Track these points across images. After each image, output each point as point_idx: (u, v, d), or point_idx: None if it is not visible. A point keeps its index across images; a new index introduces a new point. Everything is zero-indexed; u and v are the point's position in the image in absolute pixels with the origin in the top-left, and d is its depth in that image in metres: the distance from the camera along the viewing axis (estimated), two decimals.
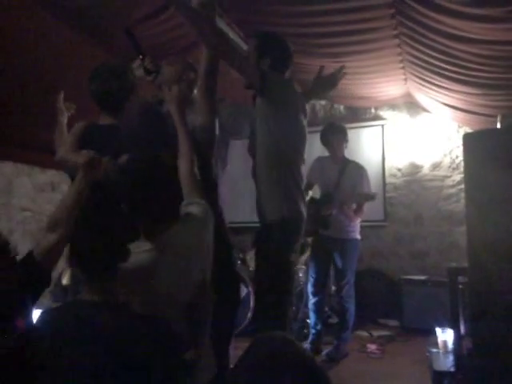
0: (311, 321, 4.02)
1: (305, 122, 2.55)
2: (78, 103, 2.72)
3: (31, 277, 1.53)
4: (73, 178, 2.17)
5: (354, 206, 3.92)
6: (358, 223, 3.98)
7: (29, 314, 1.50)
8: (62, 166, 2.23)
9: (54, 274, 3.41)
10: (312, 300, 3.99)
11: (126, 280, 1.46)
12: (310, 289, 4.02)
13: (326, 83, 2.87)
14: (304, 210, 2.44)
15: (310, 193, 4.03)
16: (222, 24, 3.58)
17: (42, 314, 1.43)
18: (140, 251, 1.56)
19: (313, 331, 3.98)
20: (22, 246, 4.41)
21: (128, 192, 1.62)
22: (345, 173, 3.93)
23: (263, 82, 2.31)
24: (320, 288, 3.97)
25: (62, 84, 3.55)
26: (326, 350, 3.84)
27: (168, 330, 1.39)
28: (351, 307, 3.90)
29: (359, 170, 4.04)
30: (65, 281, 3.94)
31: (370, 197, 3.91)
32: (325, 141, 4.04)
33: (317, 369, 0.84)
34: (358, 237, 3.99)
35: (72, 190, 1.72)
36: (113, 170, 1.79)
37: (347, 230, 3.90)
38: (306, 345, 3.89)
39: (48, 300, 3.58)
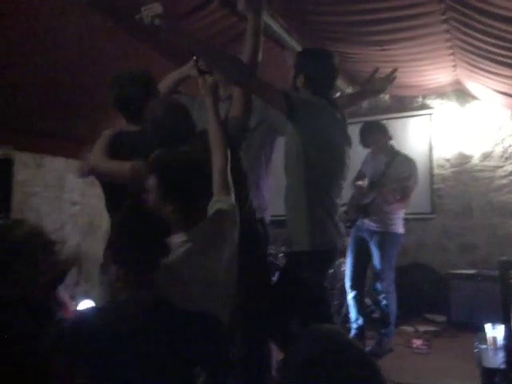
0: (352, 316, 3.94)
1: (346, 148, 2.35)
2: None
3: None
4: (103, 185, 2.23)
5: (398, 196, 3.72)
6: (400, 216, 3.83)
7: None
8: (93, 174, 2.24)
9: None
10: (350, 295, 3.91)
11: (167, 273, 1.48)
12: (347, 283, 3.94)
13: (378, 85, 2.80)
14: (337, 238, 2.29)
15: (360, 182, 3.96)
16: (265, 16, 3.56)
17: (88, 311, 1.45)
18: (176, 243, 1.57)
19: (354, 326, 3.89)
20: (72, 239, 4.62)
21: (166, 178, 1.62)
22: (392, 165, 3.82)
23: (288, 104, 2.15)
24: (358, 282, 3.88)
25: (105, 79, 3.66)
26: (368, 346, 3.75)
27: (218, 326, 1.40)
28: (391, 303, 3.78)
29: (407, 162, 3.90)
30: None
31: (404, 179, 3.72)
32: (364, 144, 3.95)
33: (371, 364, 0.82)
34: (400, 231, 3.83)
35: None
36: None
37: (387, 223, 3.78)
38: None
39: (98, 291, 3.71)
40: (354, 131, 5.64)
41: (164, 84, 2.53)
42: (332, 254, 2.32)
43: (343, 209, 4.15)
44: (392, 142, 3.99)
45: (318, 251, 2.21)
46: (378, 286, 3.81)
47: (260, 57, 2.11)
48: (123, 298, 1.36)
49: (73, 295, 3.51)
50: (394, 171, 3.79)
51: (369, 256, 3.89)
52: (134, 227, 1.40)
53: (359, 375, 0.77)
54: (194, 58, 2.43)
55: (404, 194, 3.73)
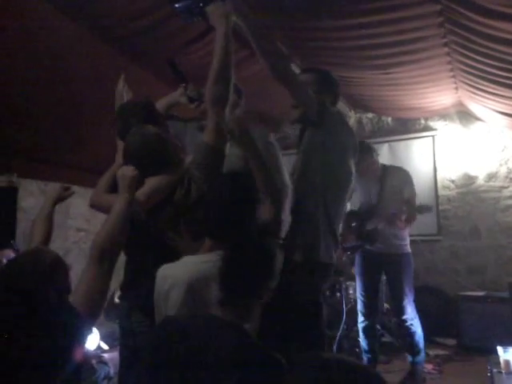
0: (364, 346, 3.70)
1: (352, 166, 2.36)
2: None
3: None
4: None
5: (404, 216, 3.57)
6: (407, 236, 3.68)
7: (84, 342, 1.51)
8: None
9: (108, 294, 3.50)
10: (363, 324, 3.69)
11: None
12: (360, 311, 3.72)
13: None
14: (334, 255, 2.26)
15: (348, 205, 3.78)
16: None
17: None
18: (198, 262, 1.57)
19: (368, 356, 3.67)
20: (77, 265, 4.57)
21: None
22: (386, 181, 3.65)
23: (322, 115, 2.18)
24: (372, 309, 3.68)
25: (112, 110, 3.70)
26: (401, 378, 3.54)
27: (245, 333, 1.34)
28: (418, 329, 3.50)
29: (400, 174, 3.75)
30: (117, 299, 4.03)
31: (425, 209, 3.61)
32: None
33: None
34: (409, 250, 3.65)
35: (117, 212, 1.65)
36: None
37: (398, 244, 3.60)
38: None
39: (101, 318, 3.67)
40: None
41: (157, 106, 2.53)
42: (330, 269, 2.28)
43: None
44: (378, 160, 3.82)
45: (319, 263, 2.18)
46: (403, 313, 3.50)
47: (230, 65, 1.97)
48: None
49: None
50: (389, 187, 3.63)
51: (380, 280, 3.71)
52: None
53: None
54: (183, 85, 2.45)
55: (409, 211, 3.54)
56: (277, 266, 1.40)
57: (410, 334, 3.52)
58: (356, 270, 3.83)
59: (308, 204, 2.20)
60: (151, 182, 1.84)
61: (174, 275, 1.58)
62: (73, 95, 3.46)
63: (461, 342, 4.51)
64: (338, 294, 4.74)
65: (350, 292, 4.75)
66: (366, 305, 3.68)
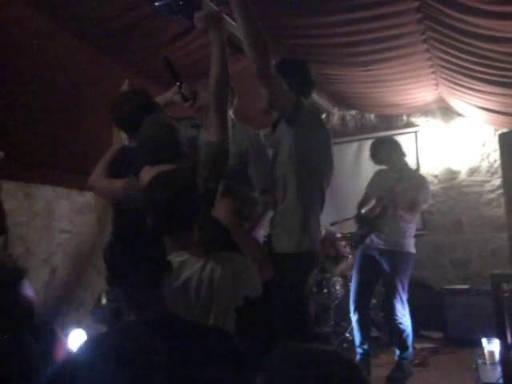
0: (356, 340, 3.73)
1: (329, 157, 2.43)
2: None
3: None
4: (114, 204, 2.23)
5: (405, 206, 3.57)
6: (412, 235, 3.68)
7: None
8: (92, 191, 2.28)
9: (95, 295, 3.48)
10: (354, 317, 3.71)
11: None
12: (352, 304, 3.74)
13: None
14: (316, 243, 2.31)
15: (363, 210, 3.83)
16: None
17: (89, 341, 1.36)
18: (176, 262, 1.57)
19: (360, 351, 3.69)
20: (61, 267, 4.53)
21: (153, 205, 1.61)
22: (402, 180, 3.63)
23: (297, 109, 2.21)
24: (361, 303, 3.71)
25: (99, 109, 3.68)
26: (389, 372, 3.55)
27: (233, 342, 1.36)
28: (407, 327, 3.55)
29: (418, 178, 3.83)
30: (104, 301, 4.00)
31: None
32: (376, 160, 3.86)
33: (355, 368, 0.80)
34: (413, 250, 3.66)
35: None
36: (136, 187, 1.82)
37: (399, 242, 3.61)
38: None
39: (89, 320, 3.65)
40: (342, 150, 5.77)
41: None
42: (317, 257, 2.33)
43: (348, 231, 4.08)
44: (405, 159, 3.85)
45: (308, 254, 2.22)
46: (394, 310, 3.56)
47: (228, 69, 2.07)
48: (128, 320, 1.31)
49: (63, 325, 3.44)
50: (401, 187, 3.62)
51: (376, 276, 3.74)
52: (129, 246, 1.35)
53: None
54: (178, 84, 2.47)
55: (411, 205, 3.58)
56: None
57: (398, 331, 3.56)
58: (355, 265, 3.86)
59: (283, 194, 2.26)
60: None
61: None
62: (56, 96, 3.42)
63: (447, 335, 4.56)
64: (325, 291, 4.77)
65: (337, 288, 4.78)
66: (358, 298, 3.71)
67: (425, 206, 3.83)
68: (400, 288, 3.57)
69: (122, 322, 1.34)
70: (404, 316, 3.57)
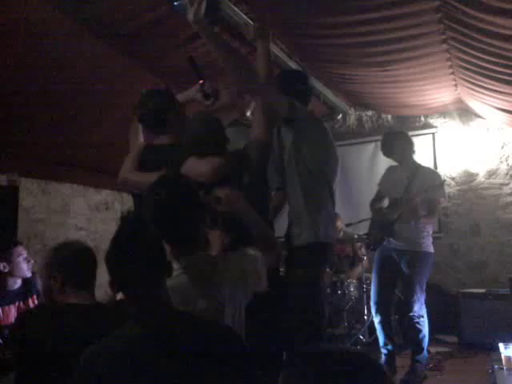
0: (380, 341, 3.70)
1: (332, 158, 2.54)
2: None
3: None
4: (134, 196, 2.30)
5: (425, 212, 3.54)
6: (429, 234, 3.65)
7: None
8: (122, 187, 2.32)
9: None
10: (376, 319, 3.69)
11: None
12: (373, 306, 3.73)
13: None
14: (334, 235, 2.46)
15: (383, 203, 3.86)
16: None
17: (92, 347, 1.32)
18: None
19: (384, 351, 3.67)
20: None
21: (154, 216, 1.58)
22: (415, 179, 3.61)
23: (291, 111, 2.31)
24: (384, 305, 3.67)
25: (115, 108, 3.72)
26: (401, 376, 3.52)
27: (241, 340, 1.35)
28: (424, 328, 3.53)
29: (432, 175, 3.77)
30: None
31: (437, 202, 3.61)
32: (387, 152, 3.81)
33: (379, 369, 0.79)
34: (431, 250, 3.62)
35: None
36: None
37: (417, 242, 3.57)
38: None
39: None
40: (358, 150, 5.74)
41: None
42: (332, 249, 2.44)
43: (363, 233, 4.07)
44: (415, 157, 3.82)
45: (326, 245, 2.32)
46: (411, 310, 3.53)
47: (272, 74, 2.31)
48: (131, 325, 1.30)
49: None
50: (418, 184, 3.59)
51: (395, 277, 3.70)
52: (133, 247, 1.31)
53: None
54: (200, 82, 2.47)
55: (430, 208, 3.56)
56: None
57: (414, 332, 3.55)
58: (374, 266, 3.83)
59: (293, 191, 2.39)
60: (215, 160, 2.02)
61: None
62: (73, 94, 3.46)
63: (462, 339, 4.50)
64: (339, 292, 4.74)
65: (351, 290, 4.75)
66: (378, 300, 3.69)
67: (444, 202, 3.77)
68: (418, 288, 3.54)
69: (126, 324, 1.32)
70: (422, 316, 3.55)
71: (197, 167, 2.03)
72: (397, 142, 3.78)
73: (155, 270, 1.32)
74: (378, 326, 3.71)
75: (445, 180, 3.87)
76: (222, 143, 2.12)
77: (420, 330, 3.53)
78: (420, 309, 3.54)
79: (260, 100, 2.26)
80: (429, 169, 3.87)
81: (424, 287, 3.59)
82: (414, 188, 3.60)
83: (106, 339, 1.27)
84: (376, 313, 3.70)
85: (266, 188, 2.35)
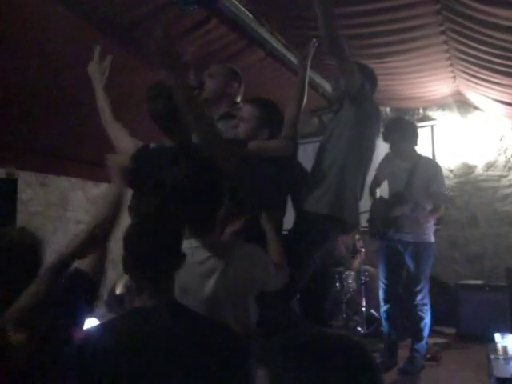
0: (385, 329, 3.75)
1: (374, 144, 2.57)
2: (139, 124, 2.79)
3: (82, 287, 1.56)
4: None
5: (430, 207, 3.64)
6: (432, 224, 3.71)
7: (82, 324, 1.54)
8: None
9: (108, 284, 3.52)
10: (384, 307, 3.75)
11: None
12: (381, 295, 3.79)
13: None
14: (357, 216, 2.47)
15: (378, 191, 3.87)
16: (264, 33, 3.62)
17: (101, 325, 1.38)
18: (187, 247, 1.57)
19: (387, 340, 3.75)
20: None
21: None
22: (417, 171, 3.64)
23: (361, 90, 2.34)
24: (392, 294, 3.72)
25: (112, 100, 3.70)
26: (400, 365, 3.58)
27: (235, 336, 1.37)
28: (426, 317, 3.61)
29: (433, 167, 3.79)
30: (118, 290, 4.04)
31: (444, 196, 3.69)
32: (388, 138, 3.75)
33: (365, 353, 0.79)
34: (432, 239, 3.70)
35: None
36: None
37: (421, 233, 3.62)
38: (380, 357, 3.67)
39: (103, 310, 3.68)
40: None
41: None
42: (343, 225, 2.41)
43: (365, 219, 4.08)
44: (416, 148, 3.81)
45: (330, 216, 2.31)
46: (415, 298, 3.62)
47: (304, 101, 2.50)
48: (130, 308, 1.33)
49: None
50: (419, 179, 3.62)
51: (401, 267, 3.74)
52: (147, 234, 1.37)
53: (353, 369, 0.74)
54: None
55: (435, 204, 3.65)
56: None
57: (417, 319, 3.62)
58: (379, 257, 3.89)
59: (328, 166, 2.38)
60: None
61: None
62: (72, 86, 3.45)
63: (459, 331, 4.53)
64: (338, 284, 4.76)
65: (350, 282, 4.78)
66: (387, 289, 3.74)
67: (446, 192, 3.80)
68: (423, 278, 3.62)
69: (133, 307, 1.35)
70: (425, 305, 3.62)
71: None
72: (399, 129, 3.76)
73: (173, 256, 1.37)
74: (383, 315, 3.78)
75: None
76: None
77: (422, 318, 3.60)
78: (424, 298, 3.62)
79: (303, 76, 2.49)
80: (429, 160, 3.88)
81: (428, 277, 3.67)
82: (415, 182, 3.61)
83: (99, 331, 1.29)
84: (384, 301, 3.77)
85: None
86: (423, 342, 3.65)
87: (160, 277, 1.35)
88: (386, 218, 3.63)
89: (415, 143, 3.77)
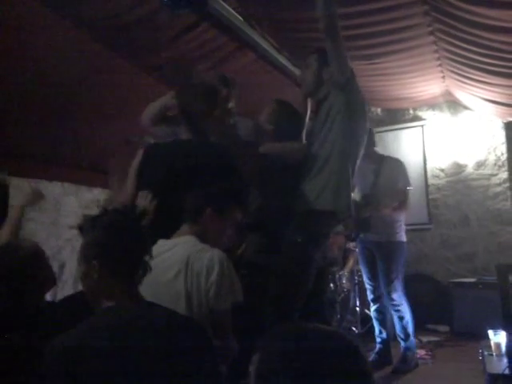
0: (376, 329, 3.81)
1: (364, 135, 2.62)
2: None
3: None
4: None
5: (396, 204, 3.63)
6: (402, 223, 3.74)
7: None
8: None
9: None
10: (373, 307, 3.81)
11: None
12: (369, 296, 3.85)
13: None
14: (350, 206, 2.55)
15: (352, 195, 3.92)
16: (255, 36, 3.63)
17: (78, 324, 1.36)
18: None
19: (378, 340, 3.78)
20: (70, 263, 4.57)
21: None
22: (381, 172, 3.70)
23: (352, 78, 2.43)
24: (379, 294, 3.75)
25: (106, 104, 3.71)
26: (393, 365, 3.61)
27: (205, 331, 1.39)
28: (406, 315, 3.62)
29: (395, 165, 3.81)
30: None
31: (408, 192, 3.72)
32: None
33: (358, 354, 0.80)
34: (403, 239, 3.73)
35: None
36: None
37: (391, 232, 3.66)
38: (373, 356, 3.69)
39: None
40: None
41: (149, 112, 2.52)
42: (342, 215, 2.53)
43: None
44: (376, 149, 3.87)
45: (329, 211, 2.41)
46: (391, 299, 3.63)
47: None
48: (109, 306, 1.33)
49: None
50: (383, 179, 3.68)
51: (376, 268, 3.76)
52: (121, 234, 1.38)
53: (344, 365, 0.76)
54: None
55: (401, 199, 3.64)
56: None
57: (397, 319, 3.65)
58: (359, 259, 3.96)
59: (323, 162, 2.45)
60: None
61: None
62: (65, 92, 3.44)
63: (453, 329, 4.56)
64: (331, 285, 4.77)
65: (343, 282, 4.78)
66: (372, 291, 3.80)
67: (410, 188, 3.80)
68: (394, 277, 3.62)
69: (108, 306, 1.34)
70: (402, 304, 3.63)
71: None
72: None
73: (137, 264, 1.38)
74: (372, 314, 3.83)
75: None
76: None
77: (402, 318, 3.62)
78: (399, 296, 3.63)
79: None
80: (391, 159, 3.89)
81: (401, 276, 3.68)
82: (381, 181, 3.67)
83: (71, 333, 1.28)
84: (372, 302, 3.81)
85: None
86: (411, 339, 3.67)
87: (132, 275, 1.36)
88: (357, 219, 3.63)
89: (374, 145, 3.80)
